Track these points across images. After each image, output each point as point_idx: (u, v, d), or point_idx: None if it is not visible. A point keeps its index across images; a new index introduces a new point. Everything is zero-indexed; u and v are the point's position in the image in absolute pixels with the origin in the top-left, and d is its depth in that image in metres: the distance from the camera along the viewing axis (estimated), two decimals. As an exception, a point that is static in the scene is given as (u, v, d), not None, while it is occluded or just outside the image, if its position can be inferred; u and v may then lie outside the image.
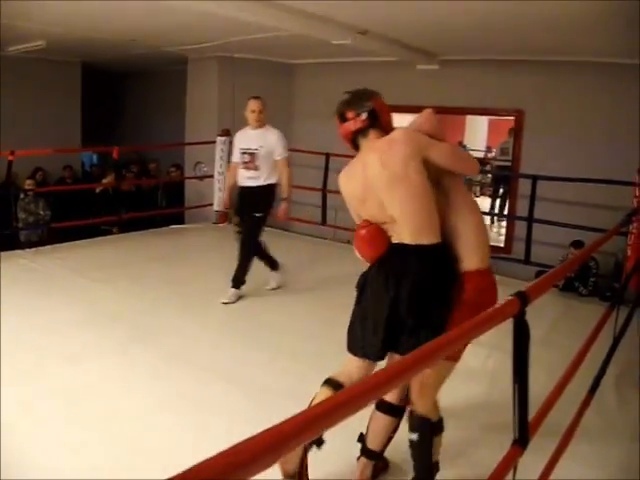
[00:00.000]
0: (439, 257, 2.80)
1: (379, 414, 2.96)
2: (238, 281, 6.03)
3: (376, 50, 7.83)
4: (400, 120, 11.30)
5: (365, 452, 3.03)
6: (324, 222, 9.07)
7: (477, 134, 17.70)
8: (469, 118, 16.45)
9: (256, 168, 5.94)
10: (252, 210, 5.98)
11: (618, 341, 3.93)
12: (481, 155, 17.51)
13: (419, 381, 2.71)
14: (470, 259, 2.79)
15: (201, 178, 9.83)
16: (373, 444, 3.01)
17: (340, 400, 1.07)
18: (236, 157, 6.10)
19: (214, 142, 9.34)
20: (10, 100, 10.41)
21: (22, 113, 10.73)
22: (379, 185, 2.83)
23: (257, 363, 4.64)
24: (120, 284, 6.38)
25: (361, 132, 2.98)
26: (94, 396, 3.98)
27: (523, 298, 1.66)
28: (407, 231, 2.76)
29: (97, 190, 9.83)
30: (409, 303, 2.72)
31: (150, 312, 5.67)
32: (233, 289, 6.01)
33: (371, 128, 2.96)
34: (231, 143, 9.33)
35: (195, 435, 3.53)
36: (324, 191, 9.04)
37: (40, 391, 4.00)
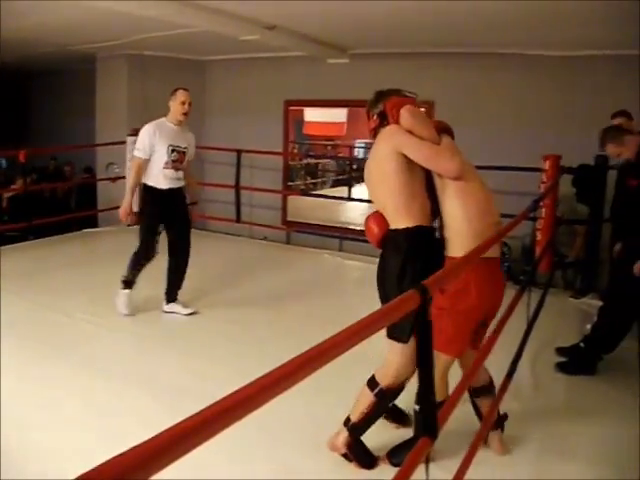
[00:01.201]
0: (411, 240, 3.03)
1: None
2: (175, 295, 5.69)
3: (286, 45, 7.82)
4: (313, 114, 11.31)
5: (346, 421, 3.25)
6: (238, 219, 9.01)
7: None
8: (382, 111, 16.55)
9: (182, 169, 5.54)
10: (184, 214, 5.66)
11: (532, 324, 4.01)
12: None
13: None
14: (452, 245, 3.01)
15: (113, 180, 9.61)
16: (353, 413, 3.22)
17: (248, 393, 1.05)
18: (161, 155, 5.35)
19: (125, 142, 9.17)
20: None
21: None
22: (366, 178, 3.34)
23: (173, 366, 4.58)
24: (28, 294, 6.14)
25: (375, 130, 3.32)
26: None
27: (424, 291, 1.64)
28: (387, 217, 3.13)
29: (6, 196, 9.54)
30: (377, 286, 3.18)
31: (62, 322, 5.49)
32: (172, 304, 5.67)
33: (381, 127, 3.27)
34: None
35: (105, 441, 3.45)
36: (237, 188, 8.98)
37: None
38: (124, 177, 9.18)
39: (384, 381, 3.14)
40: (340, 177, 16.18)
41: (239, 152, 8.93)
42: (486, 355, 2.95)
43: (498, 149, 7.56)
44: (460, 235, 2.99)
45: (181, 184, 5.57)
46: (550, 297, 5.17)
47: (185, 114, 5.54)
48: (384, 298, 3.09)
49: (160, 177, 5.37)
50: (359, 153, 17.75)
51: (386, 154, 3.07)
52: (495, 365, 3.47)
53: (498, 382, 3.45)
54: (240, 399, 1.03)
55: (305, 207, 10.25)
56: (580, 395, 4.37)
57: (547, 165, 6.31)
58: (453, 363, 3.14)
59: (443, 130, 3.24)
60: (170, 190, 5.44)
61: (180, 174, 5.51)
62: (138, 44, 8.74)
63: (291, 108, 9.80)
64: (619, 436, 3.74)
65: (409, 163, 3.02)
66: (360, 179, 16.76)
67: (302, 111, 14.38)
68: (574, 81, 7.38)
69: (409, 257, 3.01)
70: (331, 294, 6.52)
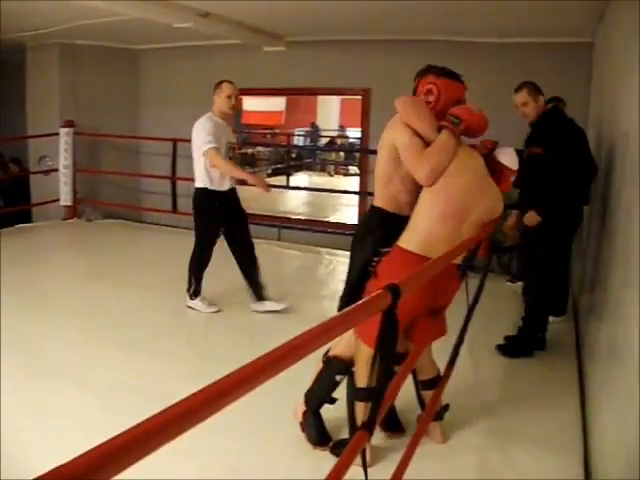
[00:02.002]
0: (378, 219, 3.22)
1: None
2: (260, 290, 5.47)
3: (220, 33, 7.71)
4: (251, 103, 11.20)
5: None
6: (175, 210, 8.89)
7: (330, 114, 17.89)
8: (321, 99, 16.60)
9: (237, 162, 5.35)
10: (243, 212, 5.44)
11: (472, 309, 4.02)
12: (334, 134, 17.74)
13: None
14: (404, 237, 3.03)
15: (47, 172, 9.39)
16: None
17: (210, 393, 1.00)
18: (222, 153, 5.10)
19: (57, 134, 8.98)
20: None
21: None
22: None
23: (112, 362, 4.48)
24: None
25: None
26: None
27: (395, 292, 1.61)
28: None
29: None
30: None
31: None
32: (265, 302, 5.46)
33: None
34: (76, 134, 9.06)
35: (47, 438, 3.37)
36: (173, 179, 8.86)
37: None
38: (57, 170, 9.00)
39: (334, 350, 3.28)
40: (279, 166, 16.12)
41: (175, 142, 8.80)
42: (421, 350, 2.95)
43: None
44: (414, 230, 3.03)
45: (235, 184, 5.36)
46: (489, 282, 5.21)
47: (233, 108, 5.26)
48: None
49: (220, 177, 5.16)
50: (298, 141, 17.75)
51: (383, 143, 3.21)
52: (436, 351, 3.49)
53: (441, 368, 3.46)
54: (207, 397, 0.98)
55: (243, 197, 10.15)
56: (520, 378, 4.45)
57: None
58: None
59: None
60: (231, 190, 5.30)
61: None
62: (70, 33, 8.50)
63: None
64: (559, 418, 3.79)
65: (398, 156, 3.10)
66: (299, 168, 16.84)
67: (240, 100, 14.30)
68: (508, 68, 7.44)
69: (369, 232, 3.23)
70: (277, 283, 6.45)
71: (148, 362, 4.44)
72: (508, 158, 3.30)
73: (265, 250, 7.92)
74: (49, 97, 9.70)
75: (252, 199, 10.33)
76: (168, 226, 9.17)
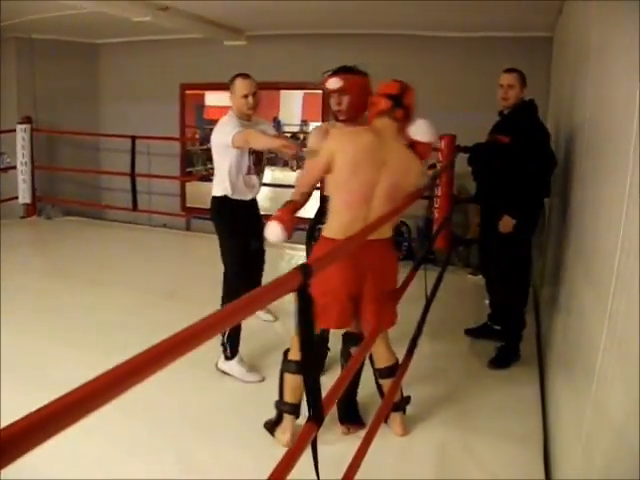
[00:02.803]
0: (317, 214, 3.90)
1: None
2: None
3: (180, 27, 7.65)
4: (214, 98, 11.05)
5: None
6: (135, 207, 8.81)
7: (292, 109, 17.85)
8: (283, 93, 16.54)
9: (262, 172, 4.61)
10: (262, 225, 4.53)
11: (430, 301, 4.04)
12: (296, 129, 17.72)
13: None
14: (325, 226, 3.41)
15: (4, 170, 9.23)
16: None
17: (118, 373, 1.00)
18: (243, 159, 4.32)
19: (14, 131, 8.84)
20: None
21: None
22: None
23: (65, 361, 4.42)
24: None
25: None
26: None
27: (306, 272, 1.63)
28: None
29: None
30: None
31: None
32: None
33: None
34: (32, 131, 8.93)
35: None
36: (133, 175, 8.77)
37: None
38: (15, 167, 8.86)
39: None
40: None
41: (133, 138, 8.72)
42: (372, 337, 2.95)
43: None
44: (329, 219, 3.37)
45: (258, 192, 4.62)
46: (449, 275, 5.25)
47: (253, 108, 4.37)
48: None
49: (242, 186, 4.37)
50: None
51: None
52: (396, 341, 3.50)
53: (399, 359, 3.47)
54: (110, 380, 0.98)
55: (206, 193, 10.08)
56: (482, 368, 4.48)
57: (442, 144, 6.42)
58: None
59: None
60: (253, 200, 4.54)
61: (260, 179, 4.57)
62: (27, 26, 8.38)
63: (188, 92, 9.61)
64: (520, 408, 3.82)
65: None
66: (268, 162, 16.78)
67: (203, 95, 14.21)
68: (470, 62, 7.48)
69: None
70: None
71: (102, 360, 4.37)
72: (420, 132, 3.39)
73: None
74: (6, 93, 9.52)
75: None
76: (128, 223, 9.09)
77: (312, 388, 1.83)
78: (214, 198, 4.45)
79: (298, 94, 16.97)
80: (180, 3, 6.64)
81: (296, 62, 8.34)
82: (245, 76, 4.42)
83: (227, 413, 3.77)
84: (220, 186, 4.38)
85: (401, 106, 3.31)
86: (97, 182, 9.92)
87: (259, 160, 4.45)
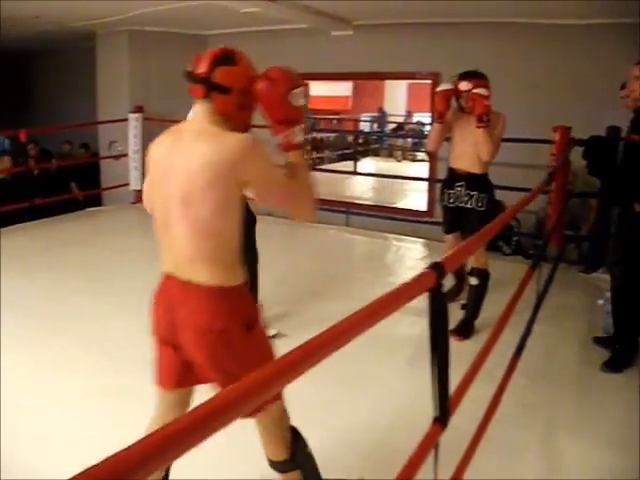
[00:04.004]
0: None
1: None
2: None
3: (288, 17, 7.66)
4: (318, 88, 11.11)
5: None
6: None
7: (397, 99, 17.73)
8: (388, 84, 16.44)
9: None
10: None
11: (542, 299, 3.92)
12: (401, 119, 17.58)
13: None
14: None
15: (116, 157, 9.52)
16: None
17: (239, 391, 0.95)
18: None
19: (126, 120, 9.08)
20: None
21: None
22: None
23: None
24: (36, 273, 6.13)
25: None
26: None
27: (440, 270, 1.55)
28: None
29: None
30: None
31: (60, 299, 5.45)
32: None
33: None
34: (144, 120, 9.16)
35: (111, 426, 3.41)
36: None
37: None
38: (126, 155, 9.11)
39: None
40: (346, 151, 16.06)
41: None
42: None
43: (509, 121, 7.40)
44: None
45: None
46: (560, 272, 5.08)
47: None
48: None
49: None
50: (365, 127, 17.65)
51: None
52: (504, 342, 3.39)
53: (507, 359, 3.35)
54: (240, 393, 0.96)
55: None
56: (590, 371, 4.30)
57: (557, 137, 6.18)
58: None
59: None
60: None
61: None
62: (139, 19, 8.59)
63: (295, 82, 9.65)
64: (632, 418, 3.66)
65: None
66: (366, 153, 16.75)
67: (307, 85, 14.26)
68: (584, 50, 7.21)
69: None
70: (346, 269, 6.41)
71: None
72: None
73: (333, 236, 7.92)
74: (119, 83, 9.82)
75: (319, 184, 10.33)
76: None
77: (440, 387, 1.76)
78: None
79: (403, 84, 16.83)
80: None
81: (403, 51, 8.25)
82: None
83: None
84: None
85: (219, 89, 2.29)
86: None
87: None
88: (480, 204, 4.76)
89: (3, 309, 4.95)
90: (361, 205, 9.28)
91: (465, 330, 4.69)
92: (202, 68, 2.31)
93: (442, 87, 4.80)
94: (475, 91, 4.50)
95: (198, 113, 2.34)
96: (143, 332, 4.63)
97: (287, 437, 2.45)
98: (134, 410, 3.64)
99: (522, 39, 7.51)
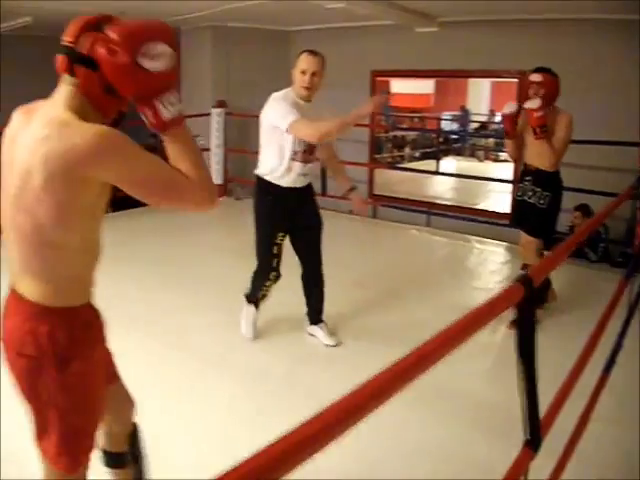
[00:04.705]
0: None
1: None
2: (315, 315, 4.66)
3: (373, 13, 7.57)
4: (400, 85, 10.99)
5: None
6: (324, 192, 8.86)
7: (480, 98, 17.43)
8: (471, 82, 16.17)
9: (313, 160, 4.27)
10: (315, 215, 4.44)
11: (633, 311, 3.73)
12: (484, 119, 17.30)
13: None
14: None
15: (198, 151, 9.59)
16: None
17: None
18: (288, 142, 4.05)
19: (209, 114, 9.14)
20: (6, 78, 10.33)
21: (19, 90, 10.56)
22: None
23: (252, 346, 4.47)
24: (108, 265, 6.17)
25: None
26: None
27: (528, 283, 1.44)
28: None
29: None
30: None
31: (142, 296, 5.50)
32: (315, 327, 4.66)
33: None
34: (226, 114, 9.21)
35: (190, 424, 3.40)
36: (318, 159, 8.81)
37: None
38: (208, 149, 9.17)
39: None
40: (427, 150, 15.87)
41: (324, 123, 8.74)
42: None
43: (591, 121, 7.14)
44: None
45: (308, 181, 4.33)
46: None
47: (308, 88, 4.07)
48: None
49: (284, 171, 4.11)
50: (446, 125, 17.42)
51: None
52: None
53: (595, 377, 3.16)
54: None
55: (392, 180, 10.03)
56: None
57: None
58: None
59: None
60: (295, 190, 4.21)
61: (310, 168, 4.26)
62: (222, 15, 8.62)
63: (378, 79, 9.56)
64: None
65: None
66: (447, 152, 16.52)
67: (388, 82, 14.13)
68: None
69: None
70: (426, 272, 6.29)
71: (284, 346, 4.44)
72: None
73: (414, 237, 7.80)
74: (202, 78, 9.91)
75: (400, 182, 10.24)
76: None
77: (529, 408, 1.65)
78: (257, 177, 4.27)
79: (486, 83, 16.55)
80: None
81: (488, 49, 8.05)
82: (311, 53, 4.12)
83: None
84: (263, 166, 4.21)
85: (84, 62, 1.80)
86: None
87: (309, 148, 4.15)
88: (542, 201, 4.75)
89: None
90: (442, 205, 9.12)
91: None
92: (68, 35, 1.84)
93: (507, 110, 4.83)
94: (526, 106, 4.57)
95: (57, 92, 1.86)
96: (219, 327, 4.67)
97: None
98: (202, 405, 3.66)
99: (614, 37, 7.23)
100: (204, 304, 5.21)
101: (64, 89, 1.83)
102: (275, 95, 4.06)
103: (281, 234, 4.22)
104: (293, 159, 4.08)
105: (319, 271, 4.50)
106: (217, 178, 9.29)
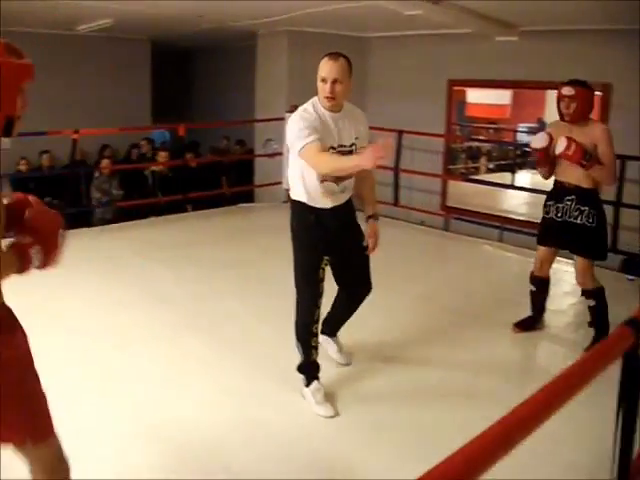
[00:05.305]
0: None
1: None
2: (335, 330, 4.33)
3: (451, 21, 7.42)
4: (476, 95, 10.74)
5: None
6: (397, 202, 8.73)
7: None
8: (549, 93, 15.80)
9: (351, 175, 3.73)
10: (357, 235, 3.94)
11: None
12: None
13: None
14: None
15: (271, 156, 9.61)
16: None
17: None
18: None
19: (283, 119, 9.11)
20: (81, 78, 10.53)
21: (92, 91, 10.80)
22: None
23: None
24: (179, 265, 6.25)
25: None
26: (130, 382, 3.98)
27: (637, 327, 1.28)
28: None
29: (149, 170, 9.66)
30: None
31: (204, 297, 5.50)
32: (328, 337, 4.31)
33: None
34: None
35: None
36: (396, 170, 8.69)
37: (83, 375, 4.03)
38: (281, 153, 9.15)
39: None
40: (502, 162, 15.55)
41: (400, 133, 8.65)
42: None
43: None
44: None
45: (348, 196, 3.88)
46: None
47: (331, 97, 3.69)
48: None
49: (317, 193, 3.69)
50: (522, 138, 17.08)
51: None
52: None
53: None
54: None
55: (465, 193, 9.82)
56: None
57: None
58: None
59: None
60: (334, 209, 3.78)
61: (347, 184, 3.78)
62: (299, 20, 8.59)
63: (455, 88, 9.39)
64: None
65: None
66: (523, 165, 16.16)
67: (464, 92, 13.94)
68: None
69: None
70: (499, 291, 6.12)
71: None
72: None
73: (486, 252, 7.59)
74: (277, 83, 9.92)
75: (474, 195, 10.01)
76: (386, 217, 8.97)
77: (622, 451, 1.53)
78: (292, 201, 3.87)
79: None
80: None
81: (569, 60, 7.77)
82: (332, 56, 3.75)
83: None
84: (294, 189, 3.80)
85: None
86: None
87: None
88: (591, 220, 4.56)
89: (144, 298, 5.17)
90: (516, 220, 8.86)
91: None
92: None
93: (537, 144, 4.66)
94: (557, 152, 4.41)
95: None
96: (283, 333, 4.59)
97: None
98: (263, 412, 3.60)
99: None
100: (265, 310, 5.16)
101: None
102: (297, 111, 3.70)
103: (326, 257, 3.76)
104: (323, 181, 3.65)
105: (367, 292, 4.06)
106: (287, 182, 9.27)
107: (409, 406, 3.81)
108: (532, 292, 5.06)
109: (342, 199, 3.80)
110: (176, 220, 8.34)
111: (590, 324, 4.74)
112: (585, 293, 4.72)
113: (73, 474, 2.21)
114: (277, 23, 8.90)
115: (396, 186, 8.73)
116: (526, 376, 4.37)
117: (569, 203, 4.62)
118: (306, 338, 3.81)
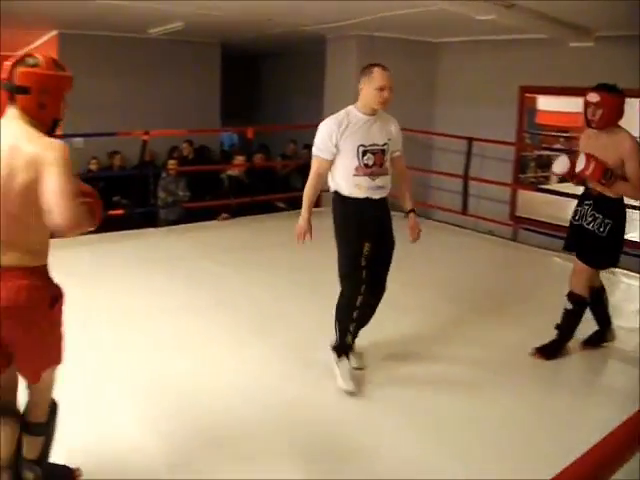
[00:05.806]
0: None
1: None
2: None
3: (523, 26, 7.25)
4: (547, 102, 10.46)
5: None
6: (465, 211, 8.58)
7: (632, 118, 16.59)
8: (627, 100, 15.39)
9: (383, 173, 4.04)
10: (389, 233, 4.21)
11: None
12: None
13: None
14: None
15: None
16: None
17: None
18: (350, 158, 3.97)
19: (349, 124, 9.09)
20: (153, 81, 10.69)
21: (163, 94, 10.94)
22: None
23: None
24: (244, 269, 6.25)
25: None
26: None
27: None
28: None
29: (226, 174, 9.70)
30: None
31: (269, 301, 5.48)
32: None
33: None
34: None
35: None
36: (466, 178, 8.55)
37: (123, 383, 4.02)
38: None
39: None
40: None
41: (470, 140, 8.51)
42: None
43: None
44: None
45: (384, 193, 4.10)
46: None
47: (383, 103, 4.02)
48: None
49: (353, 187, 4.00)
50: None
51: None
52: None
53: None
54: None
55: (535, 202, 9.58)
56: None
57: None
58: None
59: None
60: (371, 200, 4.03)
61: (382, 181, 4.04)
62: (368, 25, 8.56)
63: (527, 95, 9.19)
64: None
65: None
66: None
67: (534, 99, 13.68)
68: None
69: None
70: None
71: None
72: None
73: (555, 264, 7.35)
74: (345, 87, 9.82)
75: (544, 204, 9.75)
76: (454, 225, 8.82)
77: None
78: (333, 192, 4.16)
79: (637, 102, 15.73)
80: (526, 2, 6.26)
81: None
82: (384, 67, 4.09)
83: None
84: (334, 182, 4.13)
85: (19, 90, 2.43)
86: (427, 181, 9.90)
87: (377, 161, 4.00)
88: (602, 229, 4.36)
89: (214, 304, 5.25)
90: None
91: (548, 351, 4.59)
92: (4, 73, 2.44)
93: (557, 169, 4.62)
94: (576, 170, 4.29)
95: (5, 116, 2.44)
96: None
97: (50, 402, 2.74)
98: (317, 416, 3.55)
99: None
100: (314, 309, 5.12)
101: (9, 112, 2.43)
102: (327, 119, 4.15)
103: (368, 244, 3.92)
104: (355, 175, 3.97)
105: (382, 293, 4.23)
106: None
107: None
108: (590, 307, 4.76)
109: (376, 194, 4.03)
110: (243, 223, 8.41)
111: (557, 326, 4.62)
112: (570, 295, 4.56)
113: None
114: (346, 27, 8.88)
115: (465, 194, 8.58)
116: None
117: (586, 207, 4.47)
118: (345, 321, 4.03)
